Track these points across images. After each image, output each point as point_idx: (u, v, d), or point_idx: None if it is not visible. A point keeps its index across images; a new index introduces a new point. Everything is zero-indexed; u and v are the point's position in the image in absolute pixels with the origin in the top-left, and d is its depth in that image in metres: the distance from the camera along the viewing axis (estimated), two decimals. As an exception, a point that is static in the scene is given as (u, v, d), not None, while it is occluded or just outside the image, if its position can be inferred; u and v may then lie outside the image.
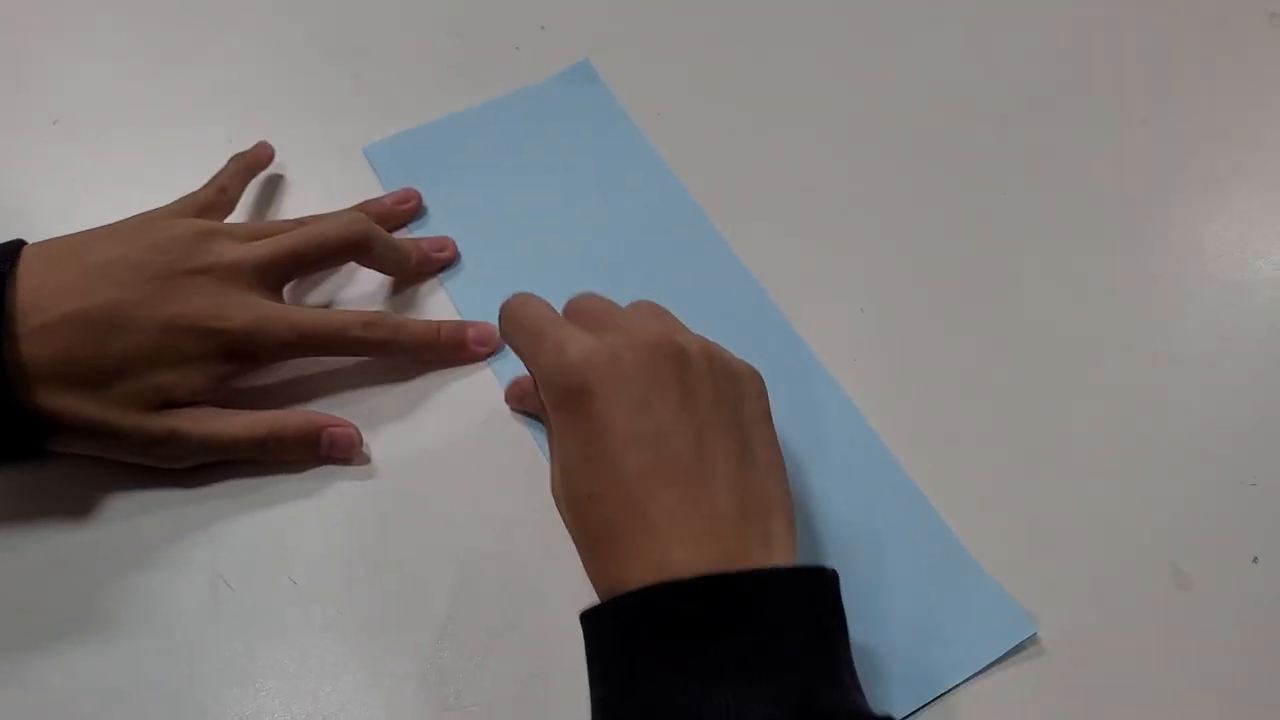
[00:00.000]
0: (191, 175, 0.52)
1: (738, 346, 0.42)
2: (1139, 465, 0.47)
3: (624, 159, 0.56)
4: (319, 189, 0.55)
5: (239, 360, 0.46)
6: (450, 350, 0.49)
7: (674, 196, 0.55)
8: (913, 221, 0.54)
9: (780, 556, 0.37)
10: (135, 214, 0.48)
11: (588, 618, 0.36)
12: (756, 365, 0.42)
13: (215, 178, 0.52)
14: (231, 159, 0.53)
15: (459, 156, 0.56)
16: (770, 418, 0.41)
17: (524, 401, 0.48)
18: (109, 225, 0.47)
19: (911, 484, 0.46)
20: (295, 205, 0.55)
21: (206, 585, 0.44)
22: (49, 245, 0.45)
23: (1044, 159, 0.57)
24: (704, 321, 0.43)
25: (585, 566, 0.39)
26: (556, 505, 0.41)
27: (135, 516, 0.46)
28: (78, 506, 0.46)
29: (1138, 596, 0.44)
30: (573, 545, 0.39)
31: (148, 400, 0.44)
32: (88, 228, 0.47)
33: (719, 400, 0.39)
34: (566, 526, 0.40)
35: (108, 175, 0.51)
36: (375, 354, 0.49)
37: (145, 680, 0.42)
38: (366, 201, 0.54)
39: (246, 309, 0.45)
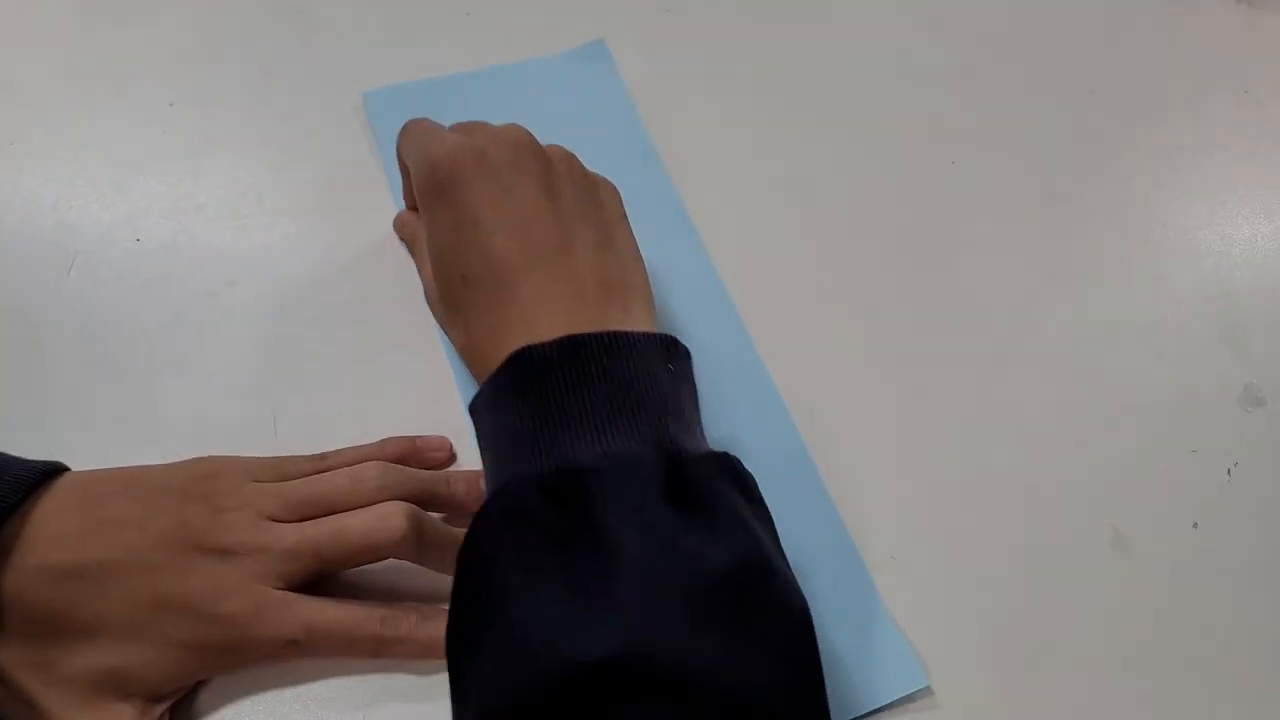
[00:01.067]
0: (131, 139, 0.51)
1: (683, 326, 0.43)
2: (1081, 431, 0.47)
3: (615, 144, 0.55)
4: (308, 141, 0.55)
5: (223, 657, 0.39)
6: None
7: (655, 184, 0.54)
8: (860, 194, 0.54)
9: (639, 329, 0.39)
10: (201, 458, 0.42)
11: (471, 408, 0.39)
12: (696, 351, 0.41)
13: (331, 455, 0.43)
14: (385, 441, 0.45)
15: (453, 116, 0.56)
16: (627, 221, 0.44)
17: (405, 228, 0.51)
18: (160, 467, 0.41)
19: (830, 503, 0.45)
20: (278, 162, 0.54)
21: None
22: (84, 481, 0.39)
23: (991, 129, 0.57)
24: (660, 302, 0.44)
25: (463, 357, 0.43)
26: (432, 312, 0.46)
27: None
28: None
29: (1078, 556, 0.44)
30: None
31: (95, 683, 0.37)
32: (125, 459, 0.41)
33: (578, 196, 0.42)
34: (443, 328, 0.45)
35: (48, 140, 0.49)
36: (391, 657, 0.41)
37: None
38: (392, 441, 0.45)
39: (250, 597, 0.38)
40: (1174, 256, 0.53)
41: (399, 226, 0.51)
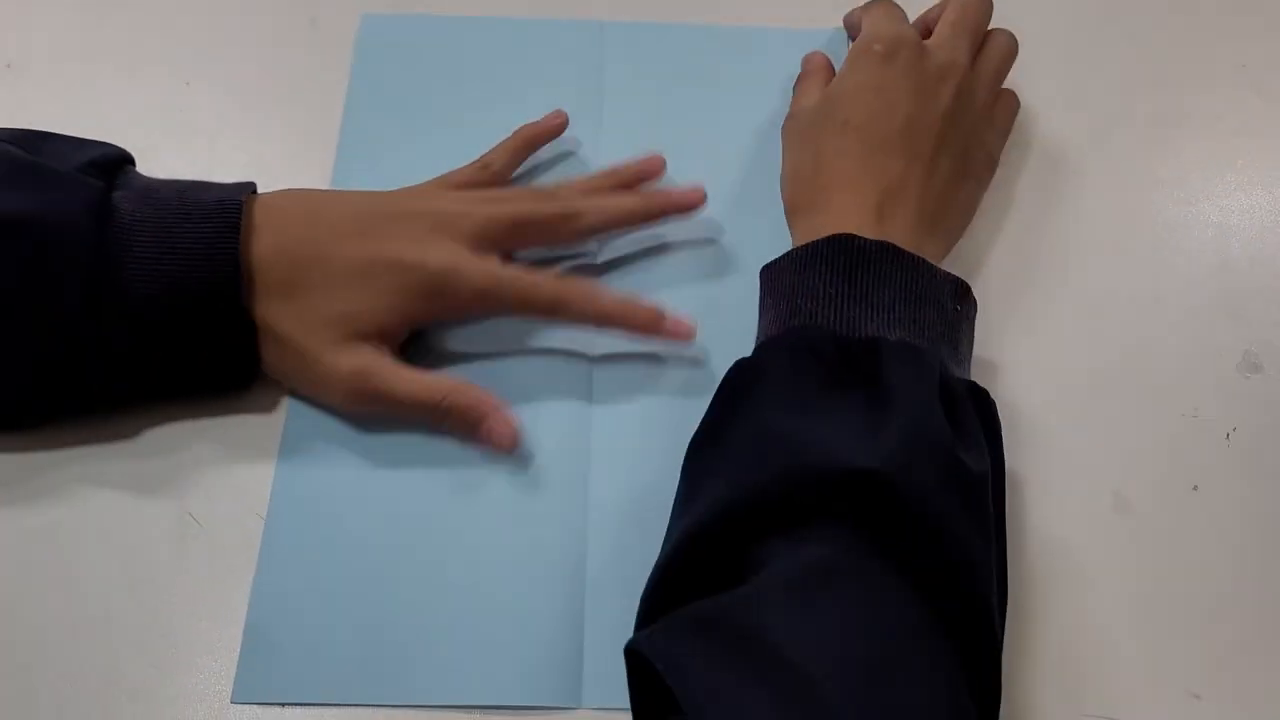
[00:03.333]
0: (146, 118, 0.52)
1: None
2: (1083, 397, 0.49)
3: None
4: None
5: (431, 302, 0.46)
6: (643, 329, 0.48)
7: None
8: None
9: (938, 249, 0.48)
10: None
11: (769, 267, 0.45)
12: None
13: (486, 153, 0.52)
14: (517, 130, 0.53)
15: (442, 60, 0.57)
16: (983, 186, 0.52)
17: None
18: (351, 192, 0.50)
19: None
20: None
21: (175, 523, 0.45)
22: (291, 191, 0.48)
23: (996, 103, 0.58)
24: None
25: (787, 174, 0.51)
26: (787, 131, 0.52)
27: (104, 455, 0.46)
28: (47, 443, 0.46)
29: (1080, 519, 0.45)
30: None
31: (337, 326, 0.45)
32: None
33: (965, 140, 0.50)
34: (785, 139, 0.52)
35: (63, 118, 0.50)
36: (564, 319, 0.48)
37: (113, 615, 0.43)
38: (611, 173, 0.52)
39: (448, 253, 0.46)
40: (1173, 227, 0.54)
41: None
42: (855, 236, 0.43)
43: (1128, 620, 0.44)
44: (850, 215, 0.46)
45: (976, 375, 0.48)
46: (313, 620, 0.43)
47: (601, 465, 0.46)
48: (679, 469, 0.45)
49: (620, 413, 0.48)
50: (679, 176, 0.52)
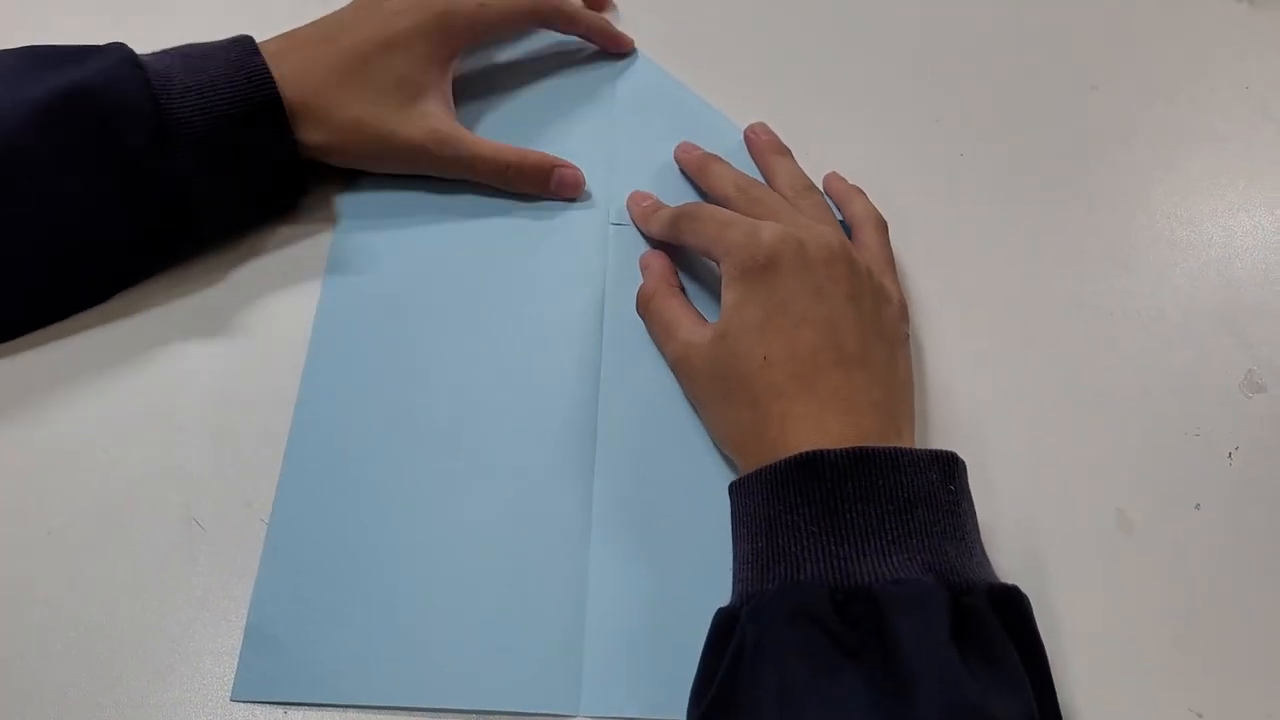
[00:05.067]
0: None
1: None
2: (1087, 415, 0.49)
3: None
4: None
5: (456, 34, 0.53)
6: (599, 34, 0.58)
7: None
8: (867, 185, 0.55)
9: (905, 443, 0.43)
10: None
11: (737, 486, 0.42)
12: None
13: None
14: None
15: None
16: (909, 342, 0.47)
17: (647, 223, 0.53)
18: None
19: None
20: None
21: (180, 526, 0.45)
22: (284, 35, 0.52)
23: (997, 123, 0.58)
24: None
25: (726, 429, 0.45)
26: (686, 377, 0.47)
27: (110, 459, 0.46)
28: (53, 447, 0.46)
29: (1083, 537, 0.46)
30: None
31: (397, 90, 0.51)
32: None
33: (876, 310, 0.45)
34: (696, 395, 0.47)
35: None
36: (543, 22, 0.57)
37: (118, 617, 0.43)
38: None
39: None
40: (1177, 247, 0.54)
41: (641, 219, 0.53)
42: (823, 452, 0.39)
43: (1130, 638, 0.44)
44: (807, 435, 0.41)
45: (983, 391, 0.49)
46: (313, 621, 0.43)
47: (606, 472, 0.46)
48: (683, 478, 0.45)
49: (626, 420, 0.48)
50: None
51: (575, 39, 0.59)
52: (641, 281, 0.51)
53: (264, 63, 0.48)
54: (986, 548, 0.43)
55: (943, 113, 0.58)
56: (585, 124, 0.57)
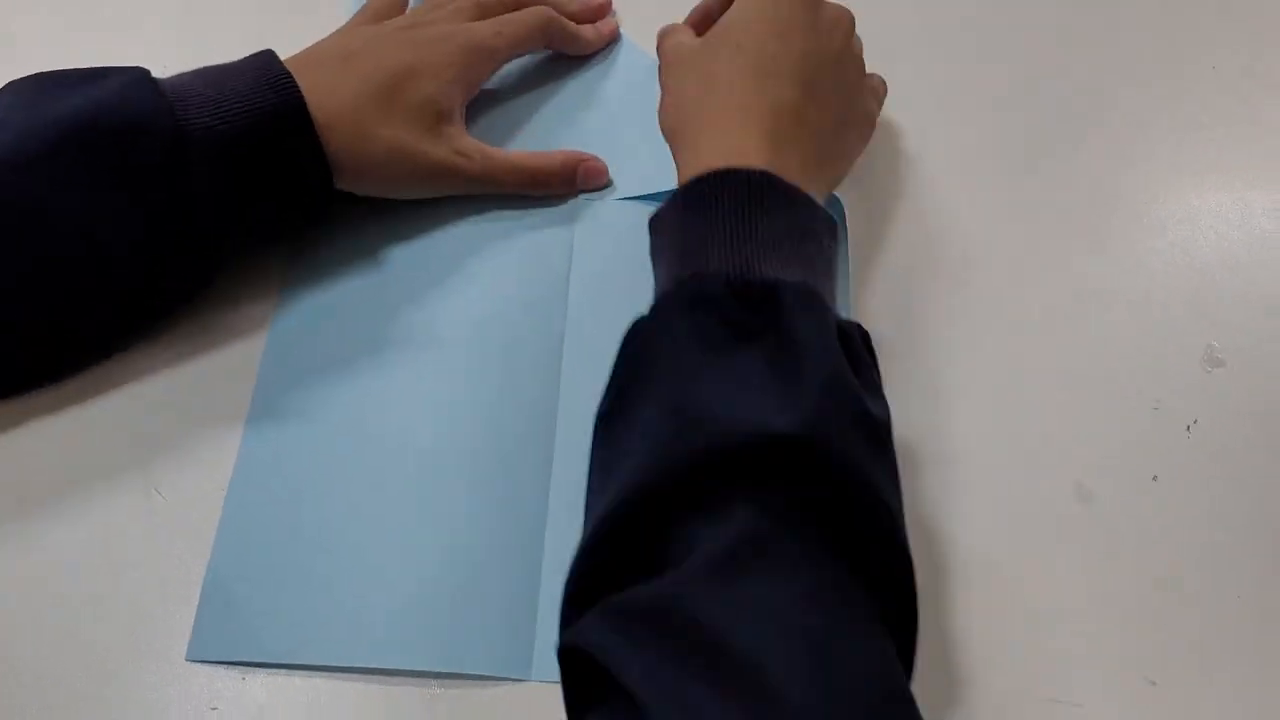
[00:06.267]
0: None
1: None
2: (1047, 388, 0.49)
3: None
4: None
5: (471, 59, 0.53)
6: (603, 42, 0.59)
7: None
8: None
9: (824, 182, 0.47)
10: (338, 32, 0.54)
11: (656, 218, 0.44)
12: None
13: None
14: None
15: None
16: (870, 125, 0.52)
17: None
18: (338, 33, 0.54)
19: None
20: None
21: (141, 495, 0.45)
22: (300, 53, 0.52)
23: (965, 104, 0.58)
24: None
25: (673, 120, 0.48)
26: (669, 72, 0.50)
27: (71, 428, 0.47)
28: (11, 416, 0.47)
29: (1041, 508, 0.46)
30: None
31: (427, 114, 0.51)
32: None
33: (852, 74, 0.50)
34: (667, 85, 0.49)
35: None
36: (552, 44, 0.58)
37: (78, 586, 0.43)
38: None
39: (454, 28, 0.54)
40: (1142, 225, 0.54)
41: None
42: (738, 169, 0.42)
43: (1087, 607, 0.44)
44: (741, 139, 0.44)
45: (946, 363, 0.49)
46: (269, 583, 0.43)
47: (566, 442, 0.46)
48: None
49: (588, 391, 0.48)
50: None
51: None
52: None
53: (286, 71, 0.47)
54: (946, 513, 0.44)
55: (913, 95, 0.58)
56: (565, 105, 0.57)
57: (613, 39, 0.60)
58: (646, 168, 0.54)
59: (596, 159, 0.54)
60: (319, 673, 0.41)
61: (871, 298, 0.51)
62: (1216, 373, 0.49)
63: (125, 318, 0.48)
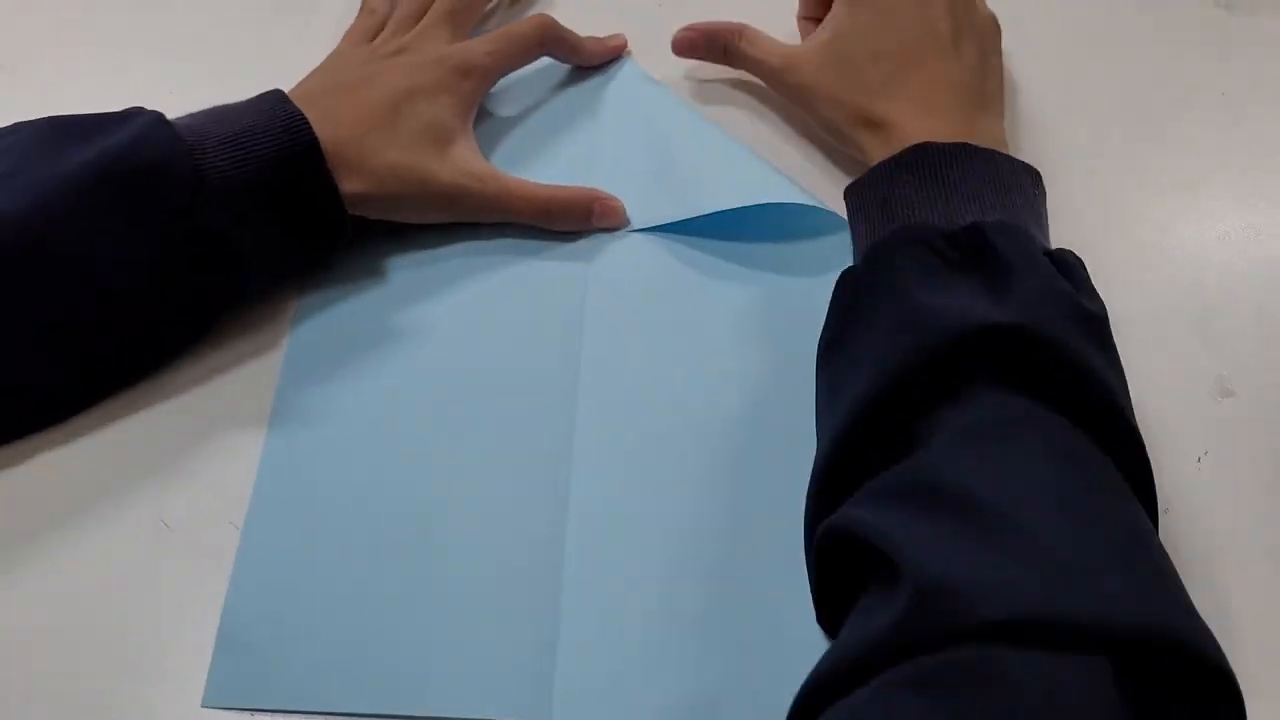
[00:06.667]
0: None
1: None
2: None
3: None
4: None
5: (475, 86, 0.54)
6: (601, 55, 0.60)
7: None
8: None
9: (997, 125, 0.51)
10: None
11: (853, 186, 0.49)
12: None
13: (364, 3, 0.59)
14: None
15: None
16: (1000, 53, 0.54)
17: (695, 48, 0.58)
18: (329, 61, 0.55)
19: None
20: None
21: (149, 528, 0.45)
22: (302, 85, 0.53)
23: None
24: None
25: (837, 123, 0.53)
26: (792, 85, 0.55)
27: (79, 460, 0.46)
28: (21, 448, 0.46)
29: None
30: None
31: (429, 135, 0.51)
32: None
33: (969, 20, 0.53)
34: (804, 97, 0.54)
35: (211, 87, 0.50)
36: (548, 52, 0.58)
37: (86, 618, 0.43)
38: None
39: (444, 49, 0.55)
40: (1148, 251, 0.54)
41: (686, 47, 0.58)
42: (932, 143, 0.46)
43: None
44: (917, 122, 0.49)
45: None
46: (286, 627, 0.43)
47: (583, 482, 0.46)
48: (663, 486, 0.46)
49: (603, 429, 0.48)
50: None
51: None
52: (709, 32, 0.57)
53: (298, 110, 0.48)
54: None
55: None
56: (571, 133, 0.57)
57: (617, 53, 0.60)
58: (659, 201, 0.54)
59: (613, 198, 0.54)
60: (333, 717, 0.41)
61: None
62: (1226, 403, 0.50)
63: (144, 358, 0.48)
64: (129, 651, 0.43)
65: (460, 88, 0.53)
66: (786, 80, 0.55)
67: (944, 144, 0.47)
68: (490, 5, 0.61)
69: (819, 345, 0.45)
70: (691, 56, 0.58)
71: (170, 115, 0.48)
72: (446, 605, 0.44)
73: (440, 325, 0.51)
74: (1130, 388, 0.49)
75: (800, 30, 0.58)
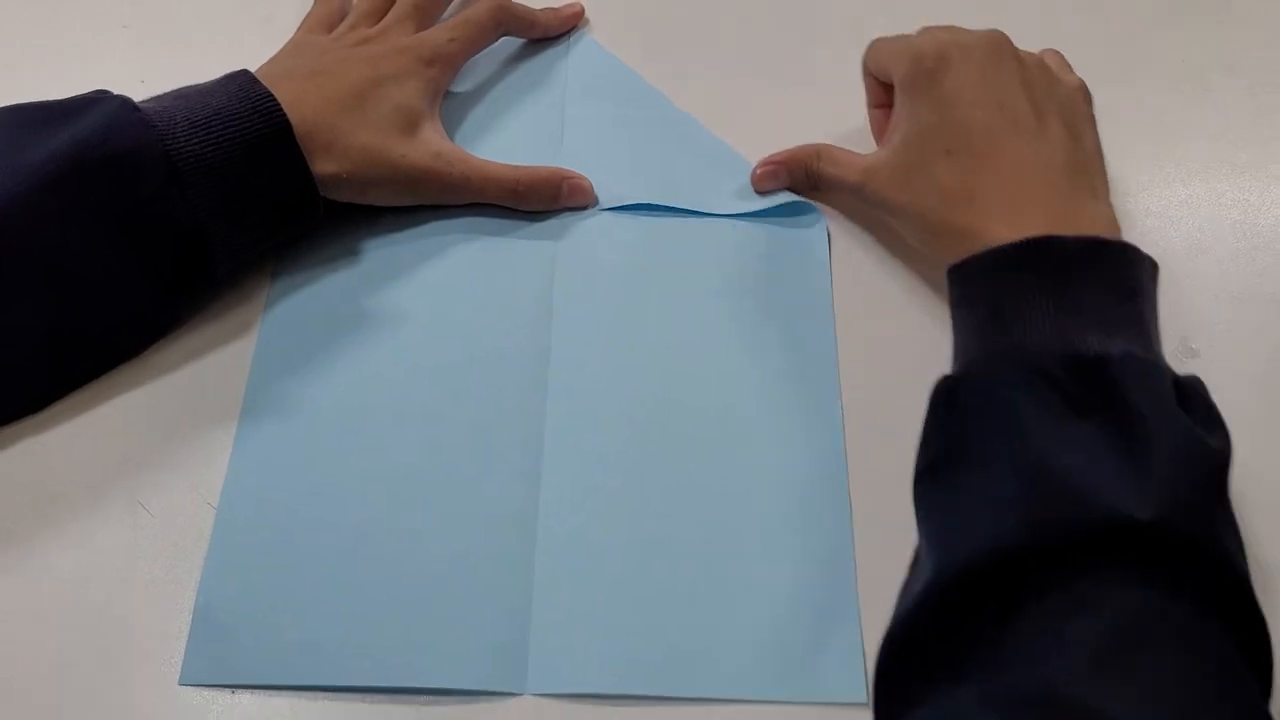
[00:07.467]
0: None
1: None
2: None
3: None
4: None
5: (440, 72, 0.54)
6: (557, 26, 0.60)
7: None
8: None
9: (1104, 210, 0.46)
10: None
11: (958, 268, 0.43)
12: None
13: None
14: None
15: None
16: (1094, 122, 0.50)
17: (777, 179, 0.54)
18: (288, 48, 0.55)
19: (846, 498, 0.46)
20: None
21: (127, 511, 0.45)
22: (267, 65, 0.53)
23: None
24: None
25: (921, 227, 0.48)
26: (872, 195, 0.50)
27: (56, 445, 0.47)
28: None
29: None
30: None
31: (398, 118, 0.51)
32: None
33: (1049, 90, 0.48)
34: (885, 205, 0.50)
35: (178, 78, 0.50)
36: (507, 32, 0.59)
37: (65, 602, 0.43)
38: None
39: (409, 39, 0.55)
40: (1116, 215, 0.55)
41: (770, 180, 0.54)
42: (1056, 237, 0.41)
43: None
44: (1006, 226, 0.43)
45: (917, 364, 0.49)
46: (261, 604, 0.43)
47: (555, 457, 0.47)
48: (633, 461, 0.46)
49: (576, 400, 0.48)
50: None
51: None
52: (791, 160, 0.54)
53: (268, 91, 0.48)
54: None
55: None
56: (534, 112, 0.57)
57: (574, 21, 0.61)
58: (627, 180, 0.54)
59: (581, 177, 0.54)
60: (310, 692, 0.42)
61: (852, 305, 0.52)
62: (1190, 363, 0.50)
63: (118, 345, 0.48)
64: (107, 632, 0.43)
65: (426, 74, 0.54)
66: (867, 198, 0.51)
67: (1068, 240, 0.41)
68: None
69: (919, 460, 0.40)
70: (775, 187, 0.54)
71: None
72: (421, 580, 0.44)
73: (411, 306, 0.51)
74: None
75: (870, 122, 0.54)
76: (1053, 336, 0.40)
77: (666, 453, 0.47)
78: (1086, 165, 0.47)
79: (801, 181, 0.54)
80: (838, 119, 0.57)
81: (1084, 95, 0.50)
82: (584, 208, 0.54)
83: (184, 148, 0.46)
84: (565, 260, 0.52)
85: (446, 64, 0.55)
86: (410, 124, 0.52)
